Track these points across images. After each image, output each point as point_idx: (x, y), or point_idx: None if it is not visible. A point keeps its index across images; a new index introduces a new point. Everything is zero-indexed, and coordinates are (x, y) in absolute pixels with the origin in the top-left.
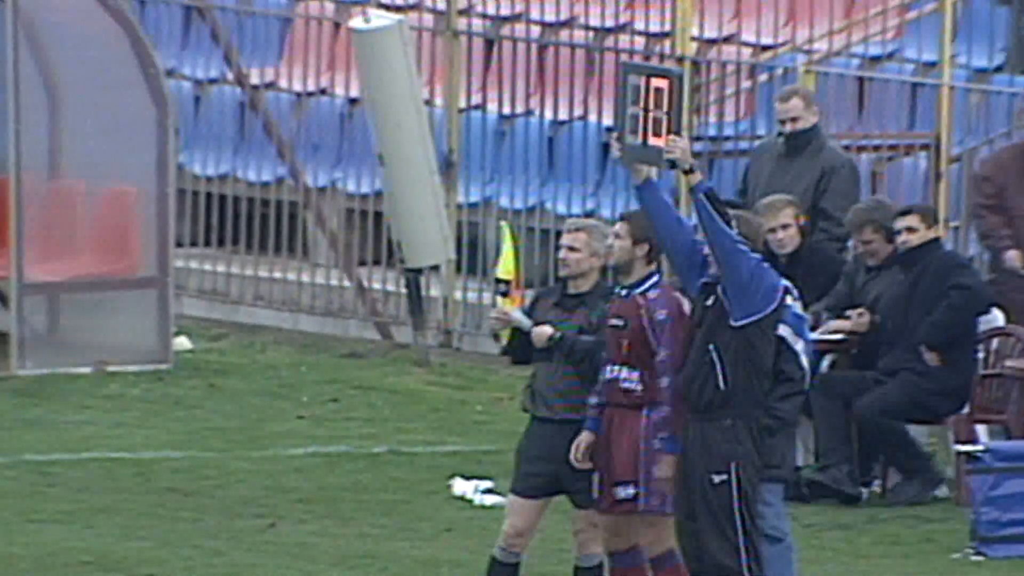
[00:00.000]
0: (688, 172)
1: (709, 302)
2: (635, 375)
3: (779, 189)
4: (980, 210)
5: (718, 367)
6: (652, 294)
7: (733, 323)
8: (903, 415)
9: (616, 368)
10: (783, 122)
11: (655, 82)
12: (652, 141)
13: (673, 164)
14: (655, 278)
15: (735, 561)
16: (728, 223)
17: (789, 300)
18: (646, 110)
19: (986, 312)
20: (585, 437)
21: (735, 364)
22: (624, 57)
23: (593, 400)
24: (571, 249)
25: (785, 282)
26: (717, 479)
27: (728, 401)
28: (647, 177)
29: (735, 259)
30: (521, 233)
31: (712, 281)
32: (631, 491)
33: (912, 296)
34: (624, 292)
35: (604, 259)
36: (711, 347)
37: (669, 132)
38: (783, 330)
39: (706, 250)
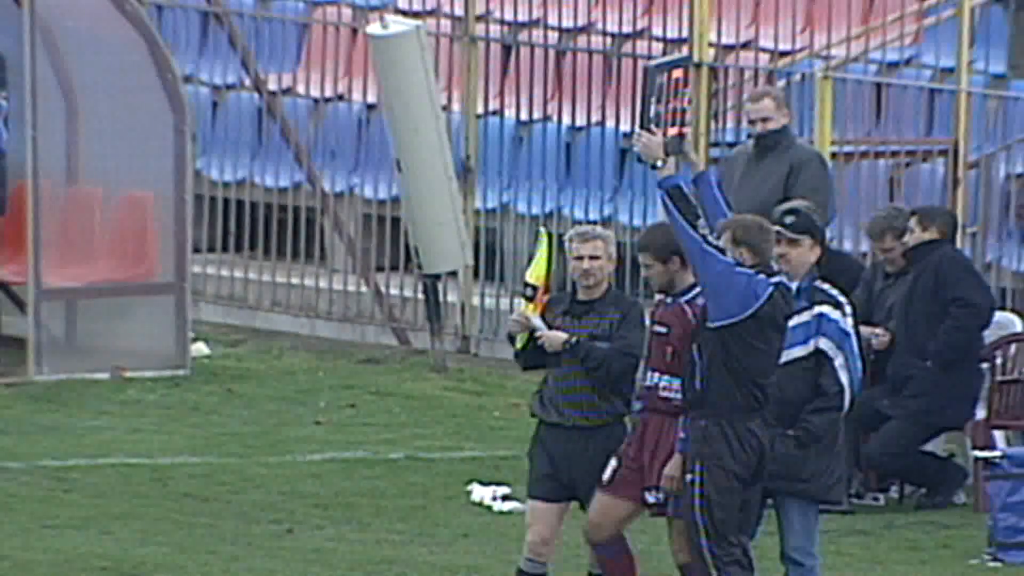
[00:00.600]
0: (654, 167)
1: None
2: (677, 383)
3: (748, 189)
4: (1021, 210)
5: (697, 368)
6: (700, 301)
7: (709, 324)
8: (915, 445)
9: (657, 375)
10: (753, 123)
11: (674, 74)
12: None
13: (640, 160)
14: (696, 288)
15: (700, 564)
16: (695, 222)
17: (830, 311)
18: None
19: (987, 326)
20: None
21: (711, 366)
22: (642, 63)
23: (637, 406)
24: (593, 258)
25: (834, 292)
26: (688, 478)
27: (704, 402)
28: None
29: (701, 261)
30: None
31: None
32: (661, 496)
33: (911, 297)
34: (670, 300)
35: (614, 264)
36: (695, 347)
37: (674, 124)
38: (823, 343)
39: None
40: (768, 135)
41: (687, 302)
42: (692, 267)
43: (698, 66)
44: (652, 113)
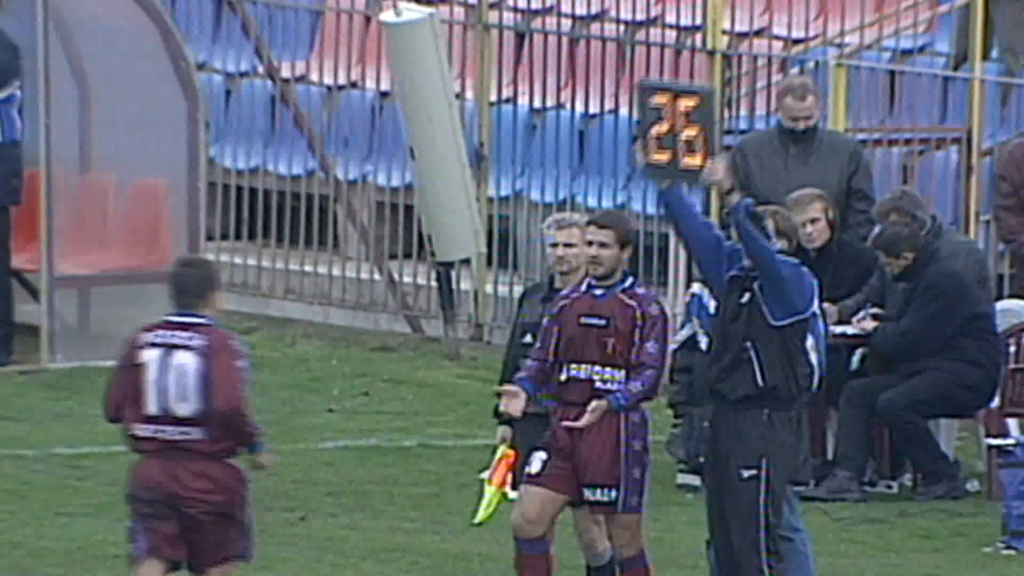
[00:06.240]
0: (729, 192)
1: (744, 299)
2: (620, 375)
3: (809, 182)
4: (998, 211)
5: (755, 364)
6: (640, 291)
7: (773, 322)
8: (930, 410)
9: (592, 368)
10: (797, 119)
11: (683, 101)
12: (686, 161)
13: (711, 185)
14: (630, 277)
15: (755, 558)
16: (768, 238)
17: None
18: (675, 131)
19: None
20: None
21: (773, 362)
22: (655, 51)
23: (523, 375)
24: (568, 245)
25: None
26: (746, 474)
27: (764, 397)
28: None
29: (778, 269)
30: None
31: (741, 275)
32: (612, 494)
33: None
34: (600, 291)
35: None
36: (749, 344)
37: (706, 153)
38: None
39: (731, 243)
40: (809, 131)
41: (623, 292)
42: (763, 275)
43: (712, 54)
44: (651, 134)
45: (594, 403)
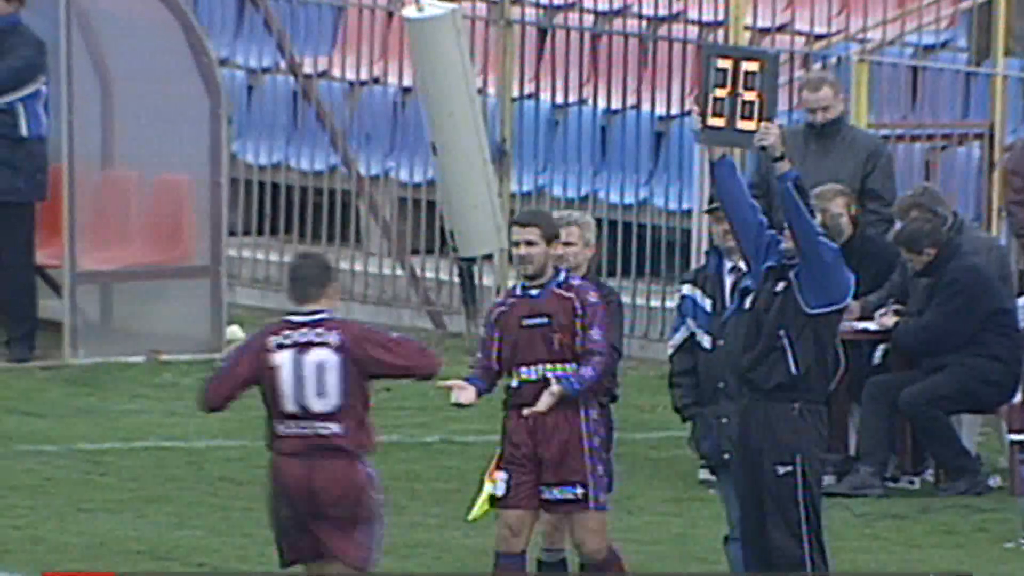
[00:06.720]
0: (779, 159)
1: (779, 287)
2: (572, 367)
3: (822, 178)
4: (1010, 206)
5: (789, 352)
6: (575, 282)
7: (808, 310)
8: (952, 405)
9: (543, 367)
10: (813, 111)
11: (746, 65)
12: (742, 124)
13: (763, 149)
14: (563, 271)
15: (799, 551)
16: (812, 213)
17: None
18: (735, 93)
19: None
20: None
21: (806, 351)
22: (678, 46)
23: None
24: (567, 244)
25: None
26: (782, 470)
27: (796, 386)
28: (724, 154)
29: (819, 249)
30: None
31: (778, 265)
32: (579, 491)
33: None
34: (536, 292)
35: (594, 250)
36: (782, 332)
37: (762, 117)
38: None
39: (772, 233)
40: (829, 123)
41: (558, 287)
42: (804, 254)
43: None
44: (712, 97)
45: (550, 387)
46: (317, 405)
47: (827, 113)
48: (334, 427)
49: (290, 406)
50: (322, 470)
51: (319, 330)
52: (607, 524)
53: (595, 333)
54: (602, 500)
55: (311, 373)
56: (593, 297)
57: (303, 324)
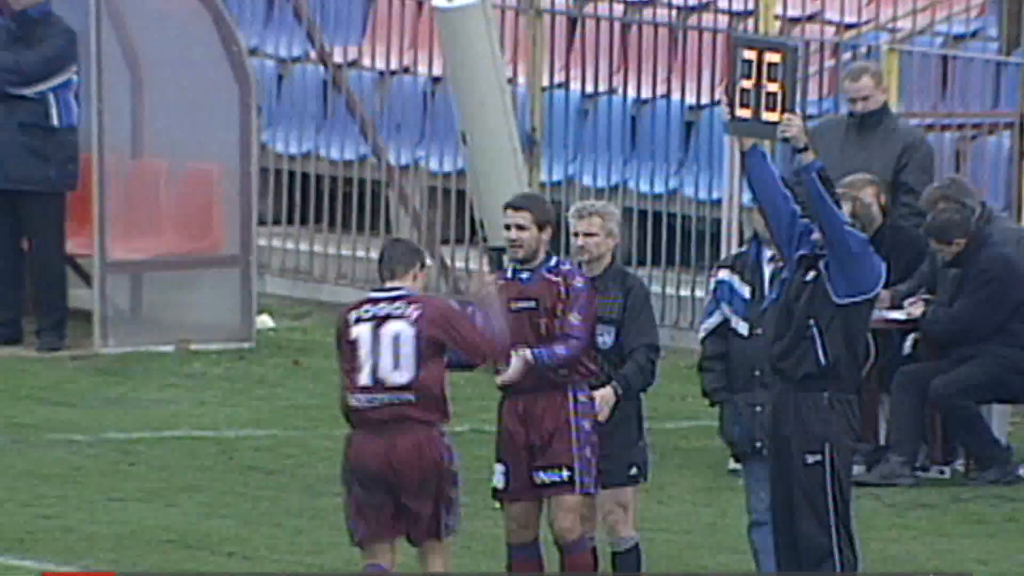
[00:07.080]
0: (802, 150)
1: (809, 277)
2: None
3: (856, 168)
4: None
5: (818, 342)
6: (565, 267)
7: (837, 300)
8: (982, 395)
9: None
10: (854, 101)
11: (768, 56)
12: (766, 116)
13: (786, 140)
14: (554, 257)
15: (827, 541)
16: (838, 203)
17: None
18: (759, 84)
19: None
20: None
21: (835, 341)
22: (707, 36)
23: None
24: (588, 235)
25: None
26: (811, 459)
27: (826, 376)
28: (755, 143)
29: (846, 238)
30: None
31: (810, 255)
32: (565, 475)
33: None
34: (526, 276)
35: (617, 240)
36: (811, 322)
37: (784, 108)
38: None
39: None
40: (870, 114)
41: (548, 271)
42: (830, 244)
43: None
44: (738, 88)
45: (522, 352)
46: (393, 377)
47: (867, 103)
48: (410, 397)
49: (366, 380)
50: (400, 442)
51: (398, 304)
52: (637, 511)
53: (574, 318)
54: (588, 483)
55: (388, 346)
56: (579, 283)
57: (383, 299)
